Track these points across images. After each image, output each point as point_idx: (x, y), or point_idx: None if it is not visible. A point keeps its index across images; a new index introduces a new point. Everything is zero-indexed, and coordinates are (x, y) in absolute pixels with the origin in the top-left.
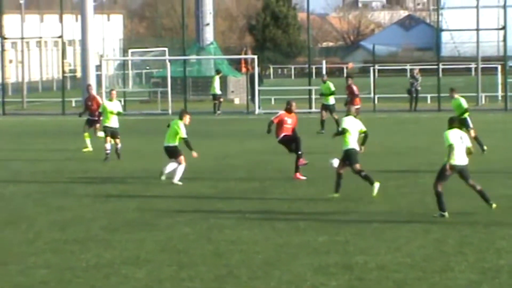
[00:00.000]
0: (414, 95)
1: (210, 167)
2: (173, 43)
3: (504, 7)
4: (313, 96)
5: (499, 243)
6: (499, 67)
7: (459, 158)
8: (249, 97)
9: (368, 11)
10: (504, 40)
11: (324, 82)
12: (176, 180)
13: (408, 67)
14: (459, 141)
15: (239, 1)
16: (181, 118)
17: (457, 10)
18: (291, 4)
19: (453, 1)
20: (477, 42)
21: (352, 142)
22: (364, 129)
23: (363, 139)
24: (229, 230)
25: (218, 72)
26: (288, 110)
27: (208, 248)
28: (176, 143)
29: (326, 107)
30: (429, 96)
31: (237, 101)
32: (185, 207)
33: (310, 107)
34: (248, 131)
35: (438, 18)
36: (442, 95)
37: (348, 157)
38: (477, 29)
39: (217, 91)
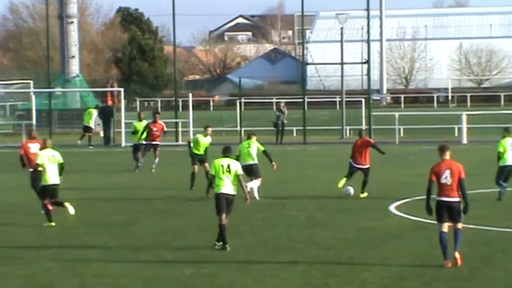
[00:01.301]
0: (280, 128)
1: (76, 200)
2: (38, 75)
3: (368, 41)
4: (180, 129)
5: (363, 274)
6: (363, 101)
7: (224, 187)
8: (112, 130)
9: (234, 44)
10: (368, 73)
11: (141, 120)
12: (257, 195)
13: (274, 100)
14: (224, 170)
15: (105, 34)
16: (250, 138)
17: (322, 44)
18: (157, 37)
19: (318, 35)
20: (342, 75)
21: (53, 175)
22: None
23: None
24: (95, 263)
25: (96, 107)
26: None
27: (73, 282)
28: (257, 161)
29: (138, 147)
30: (294, 129)
31: (102, 133)
32: (50, 240)
33: (177, 140)
34: (114, 164)
35: (303, 51)
36: (307, 128)
37: (52, 191)
38: (342, 63)
39: (92, 124)
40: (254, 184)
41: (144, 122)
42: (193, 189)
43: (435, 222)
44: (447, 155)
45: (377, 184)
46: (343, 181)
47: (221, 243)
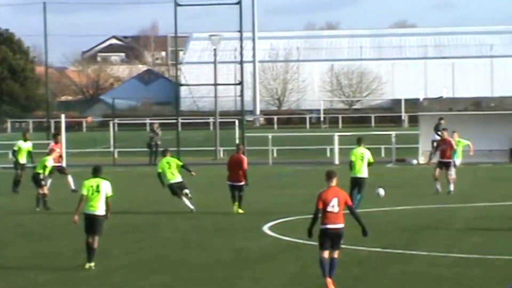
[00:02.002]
0: (154, 149)
1: None
2: None
3: (241, 63)
4: None
5: None
6: (237, 121)
7: (93, 208)
8: None
9: (107, 65)
10: (241, 95)
11: (26, 140)
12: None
13: (148, 121)
14: (94, 190)
15: None
16: (164, 156)
17: (195, 65)
18: (28, 57)
19: (191, 56)
20: (215, 96)
21: None
22: None
23: None
24: None
25: None
26: None
27: None
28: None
29: (22, 166)
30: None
31: None
32: None
33: None
34: None
35: (176, 72)
36: (181, 149)
37: None
38: (215, 84)
39: None
40: (188, 202)
41: (29, 143)
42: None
43: (308, 242)
44: (334, 182)
45: (251, 204)
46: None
47: (91, 263)
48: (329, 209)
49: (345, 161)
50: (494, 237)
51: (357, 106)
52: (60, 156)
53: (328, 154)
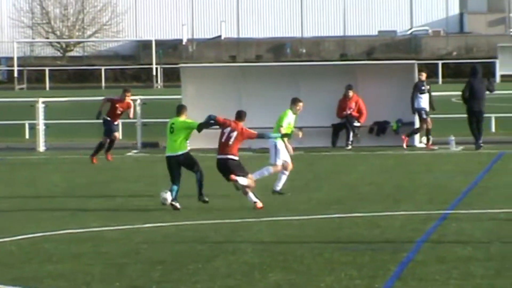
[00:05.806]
0: None
1: None
2: None
3: None
4: None
5: None
6: None
7: None
8: None
9: None
10: None
11: None
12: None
13: None
14: None
15: None
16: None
17: None
18: None
19: None
20: None
21: None
22: None
23: None
24: None
25: None
26: None
27: None
28: None
29: None
30: None
31: None
32: None
33: None
34: None
35: None
36: None
37: None
38: None
39: None
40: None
41: None
42: None
43: None
44: None
45: None
46: None
47: None
48: None
49: (56, 146)
50: (305, 270)
51: (76, 52)
52: None
53: (27, 135)
